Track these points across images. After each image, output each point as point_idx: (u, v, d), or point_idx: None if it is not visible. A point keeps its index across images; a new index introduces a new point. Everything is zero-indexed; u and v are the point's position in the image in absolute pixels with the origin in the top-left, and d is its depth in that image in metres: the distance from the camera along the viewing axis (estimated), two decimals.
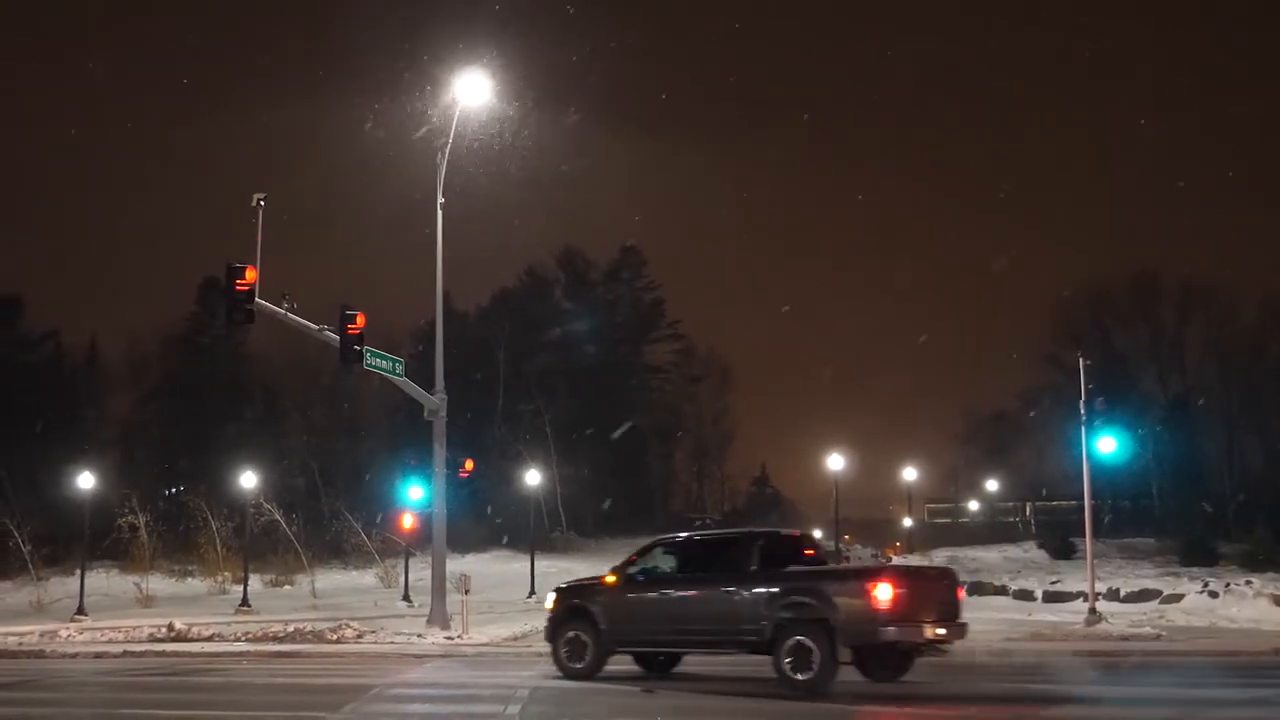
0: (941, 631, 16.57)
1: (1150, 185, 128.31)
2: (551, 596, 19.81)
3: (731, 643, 17.55)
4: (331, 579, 51.08)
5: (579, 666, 18.48)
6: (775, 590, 16.85)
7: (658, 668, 19.48)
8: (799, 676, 16.16)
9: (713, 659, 19.87)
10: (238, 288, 25.15)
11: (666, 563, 18.98)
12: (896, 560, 56.98)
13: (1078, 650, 24.50)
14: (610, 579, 19.25)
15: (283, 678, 20.76)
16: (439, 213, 30.03)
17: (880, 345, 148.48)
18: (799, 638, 16.25)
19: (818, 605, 16.38)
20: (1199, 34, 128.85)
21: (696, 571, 18.42)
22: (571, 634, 18.71)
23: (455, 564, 36.17)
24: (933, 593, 17.27)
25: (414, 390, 29.66)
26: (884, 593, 15.95)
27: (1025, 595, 40.26)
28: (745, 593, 17.15)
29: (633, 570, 18.99)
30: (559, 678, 18.55)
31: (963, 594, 18.39)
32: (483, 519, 58.59)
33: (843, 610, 16.13)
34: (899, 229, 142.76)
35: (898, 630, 16.07)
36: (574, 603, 19.13)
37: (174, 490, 64.83)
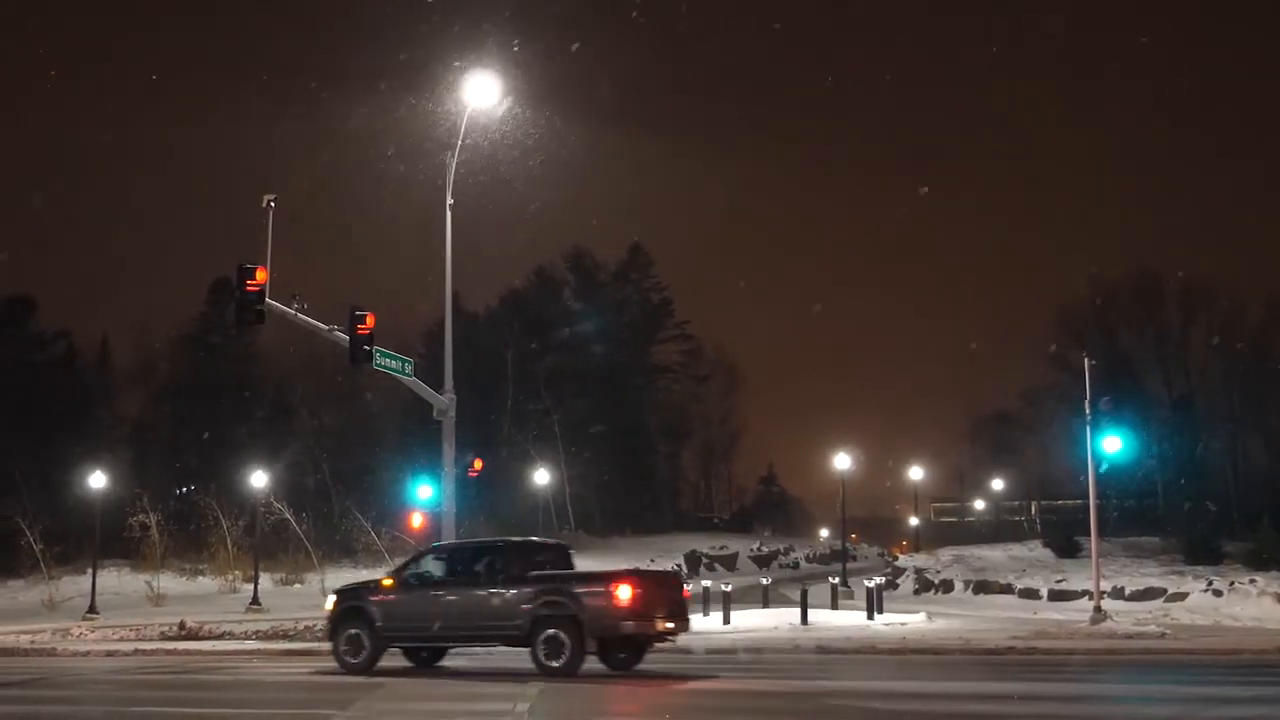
0: (670, 625, 19.23)
1: (1154, 186, 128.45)
2: (332, 599, 21.53)
3: (494, 637, 19.89)
4: (342, 577, 51.02)
5: (356, 661, 20.25)
6: (532, 591, 19.11)
7: (424, 662, 21.39)
8: (552, 664, 18.46)
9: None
10: (248, 288, 25.29)
11: (437, 568, 20.96)
12: (904, 558, 57.32)
13: (1083, 648, 24.57)
14: (386, 582, 21.40)
15: (293, 675, 20.96)
16: (448, 214, 30.10)
17: (886, 345, 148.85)
18: (553, 631, 18.60)
19: (569, 604, 18.75)
20: (1203, 34, 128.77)
21: (464, 575, 20.40)
22: (350, 632, 20.48)
23: None
24: (663, 593, 19.76)
25: (423, 390, 29.76)
26: (624, 593, 18.54)
27: (1031, 594, 40.42)
28: (507, 593, 19.30)
29: (407, 574, 21.11)
30: (340, 673, 19.97)
31: (688, 594, 21.12)
32: (492, 518, 58.73)
33: (589, 608, 18.57)
34: (905, 229, 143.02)
35: (634, 625, 18.62)
36: (352, 604, 20.91)
37: (185, 489, 64.99)
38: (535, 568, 20.05)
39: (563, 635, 18.50)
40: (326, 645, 26.66)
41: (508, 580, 19.48)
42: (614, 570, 21.16)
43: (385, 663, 20.53)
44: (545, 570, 20.09)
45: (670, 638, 19.60)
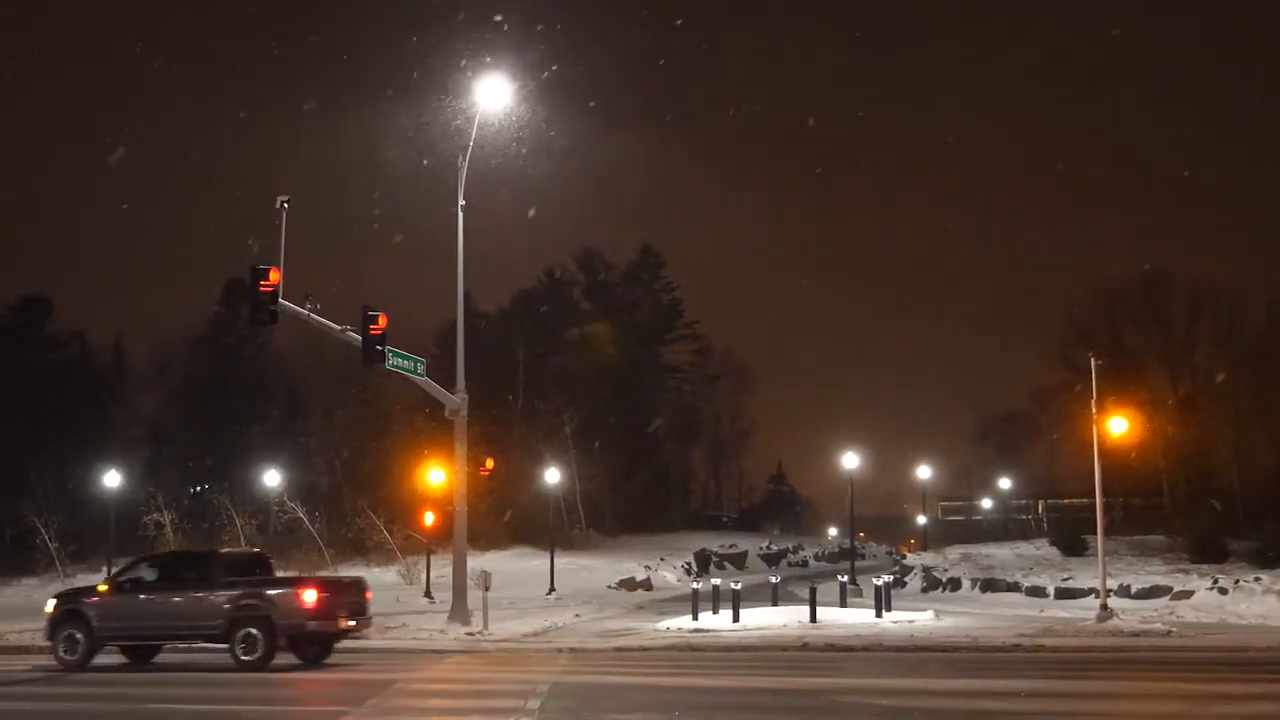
0: (352, 623, 22.06)
1: (1160, 186, 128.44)
2: (51, 602, 23.27)
3: (199, 635, 22.07)
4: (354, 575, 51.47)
5: (72, 659, 22.03)
6: (232, 595, 21.48)
7: (140, 658, 23.27)
8: (247, 658, 20.87)
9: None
10: (261, 289, 25.50)
11: (150, 574, 23.29)
12: (912, 557, 57.51)
13: (1089, 646, 24.65)
14: (103, 587, 23.66)
15: (305, 673, 21.15)
16: (460, 215, 30.33)
17: (895, 345, 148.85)
18: (248, 629, 21.02)
19: (262, 605, 21.23)
20: (1207, 34, 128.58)
21: (174, 580, 22.67)
22: (68, 633, 22.26)
23: (476, 561, 36.49)
24: (346, 596, 22.52)
25: (435, 390, 29.97)
26: (309, 596, 21.25)
27: (1037, 592, 40.49)
28: (210, 597, 21.63)
29: (122, 579, 23.54)
30: (57, 670, 21.69)
31: (370, 595, 23.69)
32: (503, 516, 58.94)
33: (280, 609, 21.11)
34: (913, 231, 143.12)
35: (318, 623, 21.31)
36: (70, 607, 22.75)
37: (198, 488, 65.34)
38: (237, 574, 22.47)
39: (256, 633, 20.97)
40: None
41: (212, 585, 21.82)
42: (301, 576, 25.35)
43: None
44: (246, 577, 22.49)
45: (352, 634, 22.61)
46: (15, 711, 16.30)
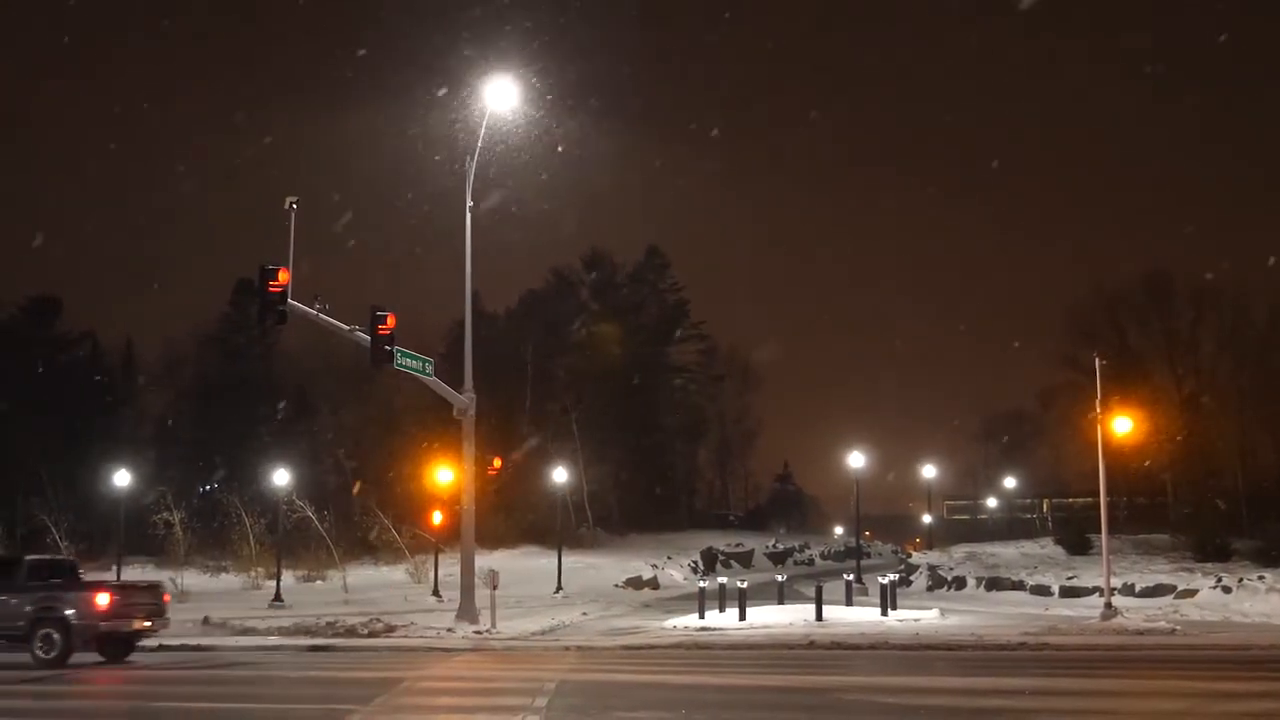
0: (148, 624, 23.58)
1: (1162, 187, 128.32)
2: None
3: (3, 636, 22.99)
4: (362, 574, 51.69)
5: None
6: (31, 598, 22.87)
7: None
8: (45, 657, 22.25)
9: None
10: (271, 289, 25.57)
11: None
12: (918, 555, 57.65)
13: (1094, 644, 24.76)
14: None
15: (314, 671, 21.32)
16: (468, 216, 30.47)
17: (897, 344, 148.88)
18: (46, 630, 22.44)
19: (60, 608, 22.60)
20: (1209, 35, 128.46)
21: None
22: None
23: (483, 560, 36.62)
24: (141, 599, 24.08)
25: (443, 389, 30.10)
26: (102, 600, 22.75)
27: (1042, 590, 40.56)
28: (12, 600, 22.95)
29: None
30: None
31: (168, 599, 25.33)
32: (510, 515, 59.09)
33: (76, 611, 22.53)
34: (919, 230, 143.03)
35: (111, 624, 22.77)
36: None
37: (208, 487, 65.55)
38: (40, 579, 23.82)
39: (54, 634, 22.37)
40: (346, 641, 27.25)
41: (14, 589, 23.13)
42: (98, 581, 25.85)
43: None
44: (47, 581, 23.78)
45: (149, 634, 23.93)
46: (20, 709, 16.48)
